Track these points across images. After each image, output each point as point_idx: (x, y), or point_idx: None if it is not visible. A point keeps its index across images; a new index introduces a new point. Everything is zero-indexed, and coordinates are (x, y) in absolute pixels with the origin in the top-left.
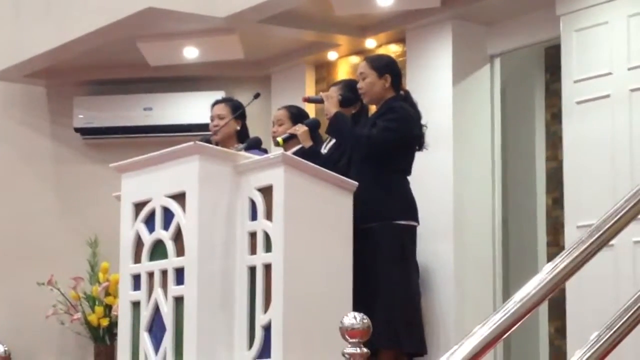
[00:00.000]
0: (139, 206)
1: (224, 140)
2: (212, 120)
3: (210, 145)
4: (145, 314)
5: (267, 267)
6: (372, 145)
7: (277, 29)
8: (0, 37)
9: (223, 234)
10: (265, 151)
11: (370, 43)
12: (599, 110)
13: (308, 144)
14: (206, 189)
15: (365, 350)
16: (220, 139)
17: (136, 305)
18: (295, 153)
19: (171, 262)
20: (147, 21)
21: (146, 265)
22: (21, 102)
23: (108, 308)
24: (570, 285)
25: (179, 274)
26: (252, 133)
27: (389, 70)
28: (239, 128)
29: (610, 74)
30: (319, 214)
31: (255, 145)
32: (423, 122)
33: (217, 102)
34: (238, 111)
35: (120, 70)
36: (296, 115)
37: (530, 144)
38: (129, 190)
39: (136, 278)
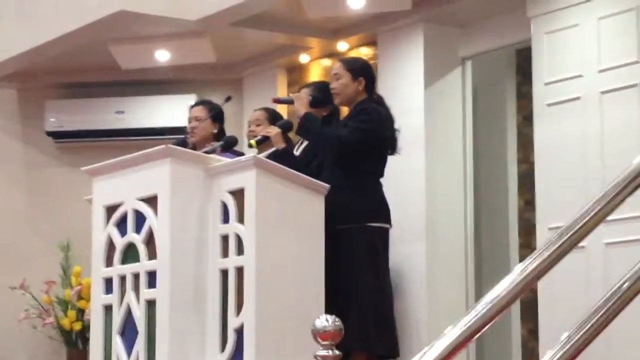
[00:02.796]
0: (110, 209)
1: (200, 143)
2: (189, 122)
3: (182, 149)
4: (118, 318)
5: (239, 270)
6: (342, 146)
7: (248, 32)
8: None
9: (195, 237)
10: (240, 154)
11: (342, 46)
12: (569, 112)
13: (281, 145)
14: (178, 192)
15: (337, 352)
16: (197, 141)
17: (108, 308)
18: (269, 155)
19: (143, 265)
20: (118, 24)
21: (118, 269)
22: None
23: (81, 312)
24: (542, 287)
25: (151, 277)
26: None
27: (364, 73)
28: (215, 131)
29: (580, 76)
30: (291, 217)
31: (231, 145)
32: (396, 126)
33: (195, 104)
34: (216, 114)
35: (92, 74)
36: (274, 117)
37: (501, 146)
38: (100, 193)
39: (108, 282)
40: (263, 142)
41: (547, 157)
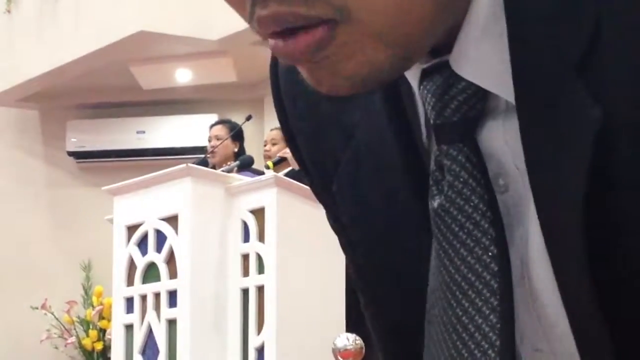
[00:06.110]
0: (131, 229)
1: (221, 162)
2: (209, 141)
3: (202, 168)
4: (139, 337)
5: (260, 289)
6: None
7: (270, 52)
8: None
9: (216, 256)
10: (259, 172)
11: None
12: None
13: (298, 166)
14: (198, 211)
15: None
16: (217, 161)
17: (129, 328)
18: (287, 175)
19: (164, 284)
20: (139, 44)
21: (139, 288)
22: (14, 125)
23: (102, 332)
24: None
25: (172, 296)
26: None
27: None
28: (236, 150)
29: None
30: (312, 236)
31: (248, 164)
32: None
33: (215, 124)
34: (236, 133)
35: (113, 94)
36: None
37: None
38: (121, 213)
39: (129, 301)
40: (280, 163)
41: None
